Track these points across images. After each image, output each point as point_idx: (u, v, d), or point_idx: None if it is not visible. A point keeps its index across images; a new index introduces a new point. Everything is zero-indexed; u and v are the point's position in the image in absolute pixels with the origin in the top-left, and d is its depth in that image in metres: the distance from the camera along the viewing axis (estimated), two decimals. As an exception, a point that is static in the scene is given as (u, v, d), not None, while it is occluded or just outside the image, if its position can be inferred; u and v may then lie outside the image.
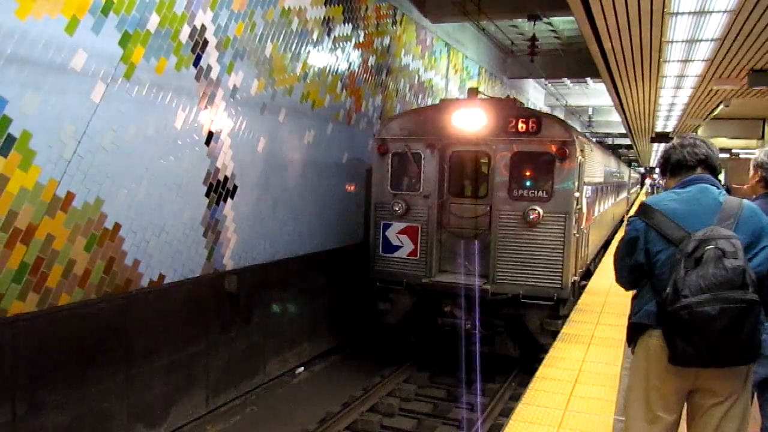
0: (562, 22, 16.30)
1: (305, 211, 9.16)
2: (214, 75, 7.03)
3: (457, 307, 8.52)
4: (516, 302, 8.45)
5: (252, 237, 7.99)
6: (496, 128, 8.59)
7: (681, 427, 3.01)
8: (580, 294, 9.52)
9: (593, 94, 27.04)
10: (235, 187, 7.57)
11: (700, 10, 6.50)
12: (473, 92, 9.08)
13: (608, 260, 13.30)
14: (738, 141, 17.03)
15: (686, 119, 16.53)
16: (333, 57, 9.67)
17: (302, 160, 8.99)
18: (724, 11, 6.47)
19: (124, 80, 5.86)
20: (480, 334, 8.51)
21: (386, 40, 11.58)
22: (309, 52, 8.95)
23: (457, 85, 15.97)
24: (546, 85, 26.42)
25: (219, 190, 7.30)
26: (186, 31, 6.55)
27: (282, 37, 8.26)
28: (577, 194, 8.56)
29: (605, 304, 8.92)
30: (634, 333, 3.01)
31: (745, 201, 2.92)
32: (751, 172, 3.75)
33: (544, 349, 7.50)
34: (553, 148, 8.37)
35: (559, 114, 27.57)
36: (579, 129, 21.23)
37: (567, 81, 25.29)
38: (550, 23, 16.24)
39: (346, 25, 9.99)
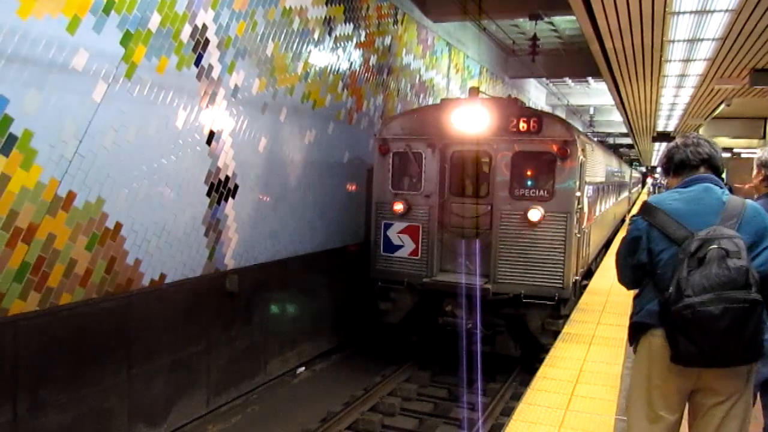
0: (564, 22, 16.28)
1: (306, 210, 9.16)
2: (215, 74, 7.03)
3: (458, 307, 8.51)
4: (517, 302, 8.45)
5: (253, 236, 7.99)
6: (497, 128, 8.59)
7: (682, 426, 3.00)
8: (582, 294, 9.51)
9: (594, 94, 27.01)
10: (236, 187, 7.57)
11: (702, 10, 6.49)
12: (474, 92, 9.07)
13: (609, 260, 13.29)
14: (739, 140, 17.02)
15: (687, 119, 16.52)
16: (334, 56, 9.67)
17: (303, 159, 8.98)
18: (726, 11, 6.46)
19: (125, 80, 5.86)
20: (481, 333, 8.50)
21: (387, 40, 11.57)
22: (310, 51, 8.94)
23: (458, 85, 15.96)
24: (547, 84, 26.40)
25: (220, 189, 7.30)
26: (187, 30, 6.55)
27: (283, 36, 8.26)
28: (578, 194, 8.55)
29: (606, 303, 8.92)
30: (636, 332, 3.01)
31: (749, 201, 2.92)
32: (755, 171, 3.74)
33: (545, 349, 7.50)
34: (555, 148, 8.36)
35: (561, 113, 27.55)
36: (580, 128, 21.21)
37: (568, 80, 25.26)
38: (551, 23, 16.23)
39: (348, 24, 9.98)
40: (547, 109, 26.00)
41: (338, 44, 9.74)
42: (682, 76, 10.32)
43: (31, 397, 5.23)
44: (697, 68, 9.58)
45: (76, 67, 5.35)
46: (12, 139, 4.87)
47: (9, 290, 4.98)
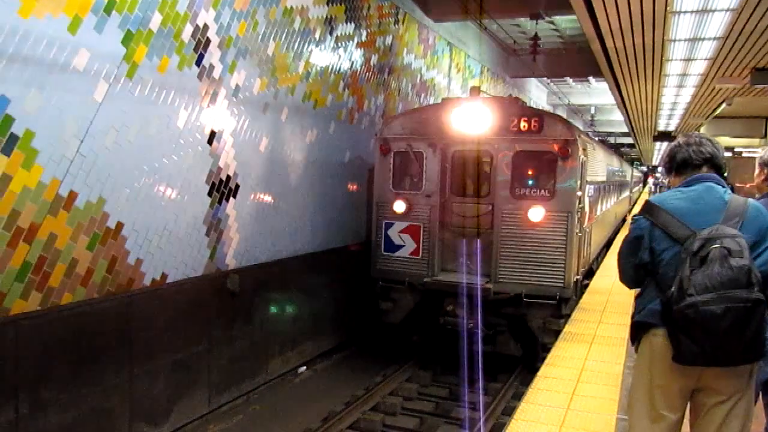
0: (565, 21, 16.27)
1: (307, 210, 9.16)
2: (216, 74, 7.03)
3: (460, 307, 8.51)
4: (518, 301, 8.44)
5: (254, 236, 7.99)
6: (498, 127, 8.58)
7: (684, 425, 3.00)
8: (583, 293, 9.51)
9: (595, 93, 26.98)
10: (237, 187, 7.57)
11: (703, 9, 6.49)
12: (475, 91, 9.07)
13: (610, 259, 13.28)
14: (740, 140, 17.01)
15: (689, 118, 16.52)
16: (335, 56, 9.67)
17: (304, 159, 8.98)
18: (727, 10, 6.46)
19: (126, 79, 5.86)
20: (482, 333, 8.50)
21: (388, 39, 11.57)
22: (311, 51, 8.94)
23: (459, 84, 15.96)
24: (548, 84, 26.39)
25: (221, 189, 7.30)
26: (188, 30, 6.55)
27: (284, 36, 8.26)
28: (579, 193, 8.55)
29: (607, 303, 8.92)
30: (638, 331, 3.01)
31: (751, 200, 2.92)
32: (757, 170, 3.74)
33: (546, 348, 7.50)
34: (556, 147, 8.36)
35: (562, 113, 27.54)
36: (581, 128, 21.20)
37: (569, 80, 25.24)
38: (552, 22, 16.22)
39: (349, 24, 9.98)
40: (548, 108, 25.99)
41: (339, 44, 9.74)
42: (683, 75, 10.31)
43: (32, 396, 5.23)
44: (698, 67, 9.58)
45: (77, 66, 5.35)
46: (13, 139, 4.87)
47: (10, 290, 4.98)
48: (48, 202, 5.21)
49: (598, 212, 11.94)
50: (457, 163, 9.05)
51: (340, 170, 10.01)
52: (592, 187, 10.30)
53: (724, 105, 13.15)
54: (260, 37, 7.76)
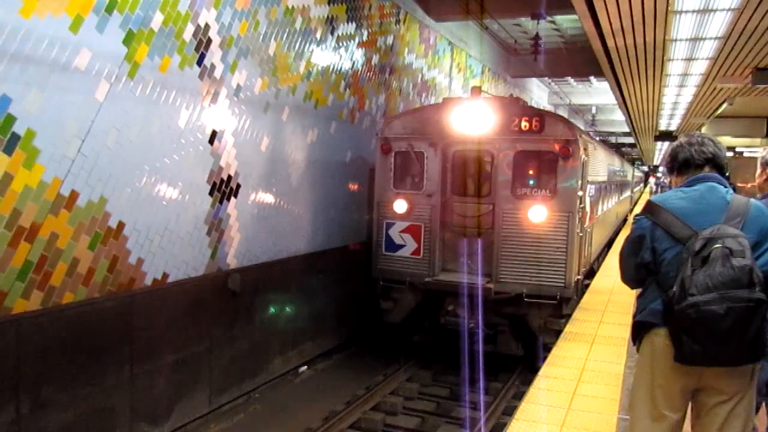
0: (566, 21, 16.27)
1: (308, 209, 9.16)
2: (217, 74, 7.03)
3: (460, 306, 8.51)
4: (519, 301, 8.45)
5: (255, 236, 7.99)
6: (499, 127, 8.59)
7: (685, 425, 3.00)
8: (584, 293, 9.51)
9: (597, 93, 26.97)
10: (238, 186, 7.58)
11: (704, 9, 6.49)
12: (476, 91, 9.07)
13: (611, 259, 13.28)
14: (742, 139, 16.99)
15: (690, 118, 16.50)
16: (336, 56, 9.67)
17: (305, 159, 8.99)
18: (728, 9, 6.45)
19: (128, 79, 5.86)
20: (483, 333, 8.50)
21: (389, 39, 11.57)
22: (312, 50, 8.94)
23: (460, 84, 15.96)
24: (549, 83, 26.38)
25: (222, 188, 7.31)
26: (190, 29, 6.55)
27: (285, 35, 8.26)
28: (580, 193, 8.55)
29: (608, 302, 8.92)
30: (640, 331, 3.01)
31: (753, 200, 2.92)
32: (759, 170, 3.73)
33: (547, 348, 7.49)
34: (557, 147, 8.36)
35: (563, 113, 27.53)
36: (582, 128, 21.19)
37: (570, 80, 25.23)
38: (553, 22, 16.21)
39: (350, 23, 9.98)
40: (549, 108, 25.99)
41: (340, 43, 9.74)
42: (685, 75, 10.31)
43: (33, 395, 5.23)
44: (700, 67, 9.57)
45: (78, 66, 5.35)
46: (15, 138, 4.88)
47: (12, 289, 4.99)
48: (49, 202, 5.21)
49: (599, 212, 11.94)
50: (458, 162, 9.05)
51: (341, 170, 10.01)
52: (593, 187, 10.30)
53: (725, 105, 13.13)
54: (261, 36, 7.76)
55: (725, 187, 2.95)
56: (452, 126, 8.75)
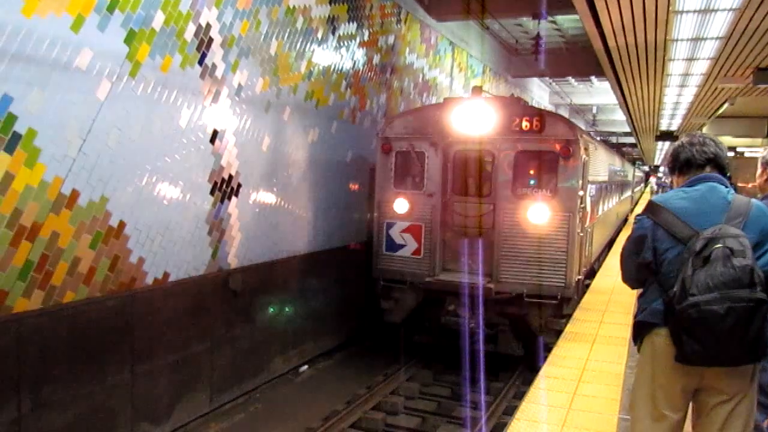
0: (567, 20, 16.26)
1: (309, 209, 9.16)
2: (218, 73, 7.04)
3: (461, 306, 8.51)
4: (520, 301, 8.44)
5: (256, 235, 7.99)
6: (499, 127, 8.58)
7: (686, 425, 3.00)
8: (584, 293, 9.51)
9: (598, 93, 26.96)
10: (239, 186, 7.58)
11: (706, 9, 6.48)
12: (477, 91, 9.06)
13: (612, 259, 13.28)
14: (743, 139, 16.97)
15: (691, 118, 16.49)
16: (338, 55, 9.67)
17: (306, 158, 8.99)
18: (730, 9, 6.45)
19: (129, 78, 5.87)
20: (484, 332, 8.50)
21: (391, 39, 11.57)
22: (314, 50, 8.95)
23: (461, 84, 15.96)
24: (550, 83, 26.37)
25: (223, 188, 7.31)
26: (191, 29, 6.55)
27: (287, 35, 8.26)
28: (581, 193, 8.54)
29: (609, 302, 8.91)
30: (640, 331, 3.01)
31: (754, 200, 2.92)
32: (759, 170, 3.73)
33: (547, 348, 7.49)
34: (557, 147, 8.36)
35: (564, 112, 27.52)
36: (583, 127, 21.17)
37: (571, 79, 25.22)
38: (554, 21, 16.21)
39: (351, 23, 9.98)
40: (550, 108, 25.97)
41: (342, 43, 9.74)
42: (686, 75, 10.30)
43: (34, 394, 5.24)
44: (701, 67, 9.57)
45: (80, 65, 5.36)
46: (16, 138, 4.88)
47: (13, 288, 4.99)
48: (50, 201, 5.22)
49: (600, 212, 11.94)
50: (458, 162, 9.05)
51: (341, 170, 10.01)
52: (593, 186, 10.30)
53: (726, 105, 13.12)
54: (263, 36, 7.76)
55: (726, 187, 2.96)
56: (453, 126, 8.75)
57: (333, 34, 9.46)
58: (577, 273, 8.74)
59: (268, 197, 8.19)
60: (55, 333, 5.38)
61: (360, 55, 10.41)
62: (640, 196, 39.71)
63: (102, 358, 5.86)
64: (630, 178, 26.12)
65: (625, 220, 21.59)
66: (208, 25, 6.79)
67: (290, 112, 8.50)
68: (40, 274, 5.20)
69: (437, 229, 8.89)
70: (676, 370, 2.83)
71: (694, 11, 6.58)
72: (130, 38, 5.82)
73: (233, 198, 7.49)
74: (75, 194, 5.42)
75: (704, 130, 16.77)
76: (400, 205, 9.00)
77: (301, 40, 8.60)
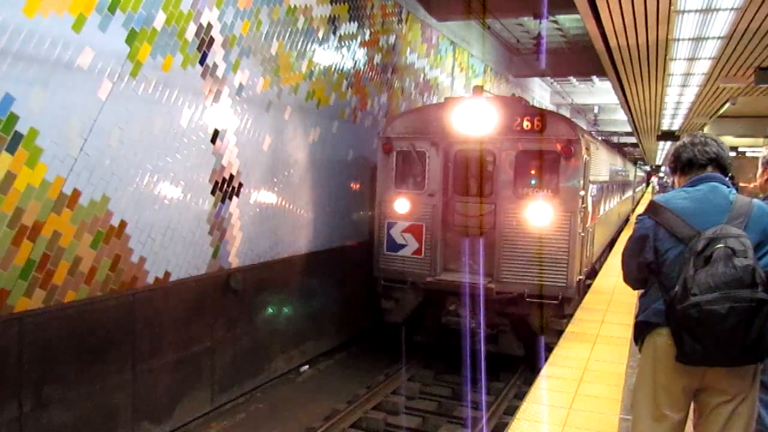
0: (568, 20, 16.25)
1: (310, 209, 9.16)
2: (219, 73, 7.04)
3: (462, 306, 8.51)
4: (521, 301, 8.44)
5: (257, 235, 8.00)
6: (501, 126, 8.57)
7: (687, 425, 3.00)
8: (586, 293, 9.50)
9: (599, 93, 26.95)
10: (240, 185, 7.58)
11: (707, 8, 6.48)
12: (478, 90, 9.06)
13: (613, 259, 13.28)
14: (744, 139, 16.96)
15: (692, 117, 16.48)
16: (339, 55, 9.67)
17: (307, 158, 8.99)
18: (731, 9, 6.44)
19: (130, 78, 5.87)
20: (485, 332, 8.50)
21: (392, 39, 11.57)
22: (315, 50, 8.95)
23: (462, 84, 15.95)
24: (552, 83, 26.35)
25: (224, 188, 7.31)
26: (192, 29, 6.56)
27: (288, 35, 8.26)
28: (582, 193, 8.53)
29: (610, 302, 8.91)
30: (642, 331, 3.01)
31: (756, 200, 2.91)
32: (760, 170, 3.72)
33: (549, 348, 7.49)
34: (559, 147, 8.35)
35: (565, 112, 27.50)
36: (584, 127, 21.16)
37: (573, 79, 25.21)
38: (555, 21, 16.20)
39: (352, 23, 9.98)
40: (551, 108, 25.96)
41: (343, 43, 9.74)
42: (687, 74, 10.29)
43: (36, 394, 5.25)
44: (702, 67, 9.56)
45: (81, 65, 5.36)
46: (18, 137, 4.89)
47: (14, 287, 5.00)
48: (52, 200, 5.22)
49: (601, 212, 11.93)
50: (459, 162, 9.04)
51: (342, 169, 10.01)
52: (595, 186, 10.29)
53: (728, 104, 13.11)
54: (264, 36, 7.76)
55: (728, 187, 2.95)
56: (454, 125, 8.74)
57: (334, 33, 9.46)
58: (579, 273, 8.73)
59: (269, 197, 8.19)
60: (56, 332, 5.38)
61: (361, 54, 10.40)
62: (642, 196, 39.69)
63: (103, 358, 5.86)
64: (631, 177, 26.11)
65: (627, 220, 21.57)
66: (209, 25, 6.80)
67: (291, 112, 8.50)
68: (42, 273, 5.21)
69: (438, 229, 8.88)
70: (678, 370, 2.83)
71: (696, 11, 6.58)
72: (131, 38, 5.82)
73: (234, 198, 7.50)
74: (76, 194, 5.43)
75: (706, 130, 16.76)
76: (401, 205, 9.00)
77: (302, 39, 8.60)
